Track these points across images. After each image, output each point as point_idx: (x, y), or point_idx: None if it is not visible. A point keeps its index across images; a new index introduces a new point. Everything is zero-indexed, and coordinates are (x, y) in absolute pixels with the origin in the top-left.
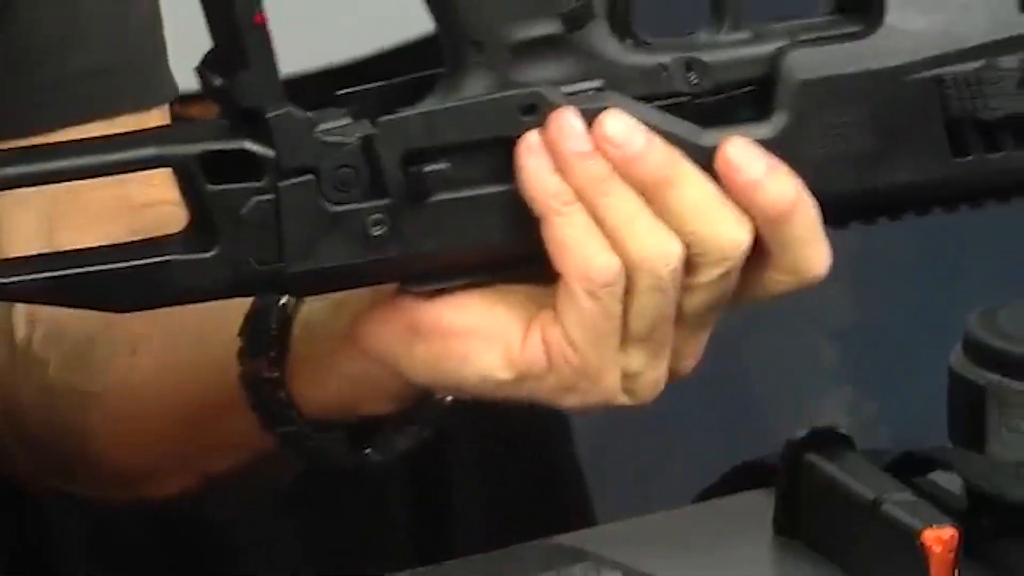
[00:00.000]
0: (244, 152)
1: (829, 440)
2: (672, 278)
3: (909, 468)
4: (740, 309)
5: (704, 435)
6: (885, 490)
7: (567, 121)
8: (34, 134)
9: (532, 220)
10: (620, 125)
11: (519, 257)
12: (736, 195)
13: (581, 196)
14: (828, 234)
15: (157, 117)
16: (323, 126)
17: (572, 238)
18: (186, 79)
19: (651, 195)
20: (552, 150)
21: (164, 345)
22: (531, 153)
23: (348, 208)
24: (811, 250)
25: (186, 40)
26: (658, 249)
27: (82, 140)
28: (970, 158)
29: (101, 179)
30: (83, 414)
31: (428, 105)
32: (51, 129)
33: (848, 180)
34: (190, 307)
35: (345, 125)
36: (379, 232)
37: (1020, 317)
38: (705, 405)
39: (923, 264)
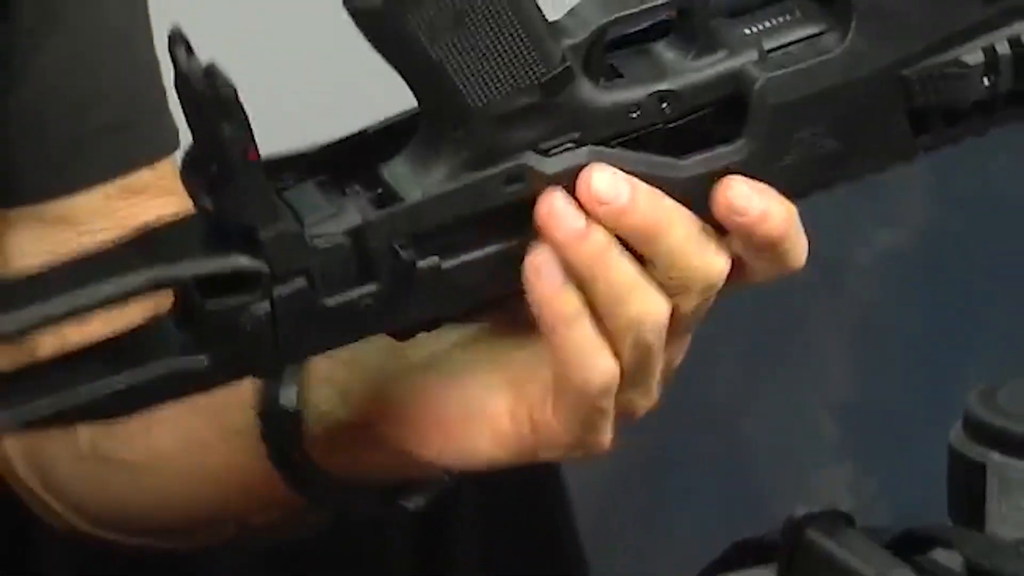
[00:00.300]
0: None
1: (829, 517)
2: (661, 331)
3: (909, 546)
4: (740, 386)
5: (705, 512)
6: (886, 568)
7: (558, 206)
8: (53, 197)
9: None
10: (605, 179)
11: (507, 298)
12: (733, 231)
13: (582, 275)
14: (828, 308)
15: (168, 167)
16: (314, 231)
17: (577, 347)
18: None
19: (642, 245)
20: (549, 238)
21: (179, 421)
22: (539, 275)
23: (340, 299)
24: (795, 251)
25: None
26: (650, 310)
27: (74, 262)
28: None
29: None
30: (120, 477)
31: (410, 184)
32: (71, 191)
33: (817, 178)
34: None
35: (334, 220)
36: (369, 309)
37: (1020, 395)
38: (706, 482)
39: (924, 341)
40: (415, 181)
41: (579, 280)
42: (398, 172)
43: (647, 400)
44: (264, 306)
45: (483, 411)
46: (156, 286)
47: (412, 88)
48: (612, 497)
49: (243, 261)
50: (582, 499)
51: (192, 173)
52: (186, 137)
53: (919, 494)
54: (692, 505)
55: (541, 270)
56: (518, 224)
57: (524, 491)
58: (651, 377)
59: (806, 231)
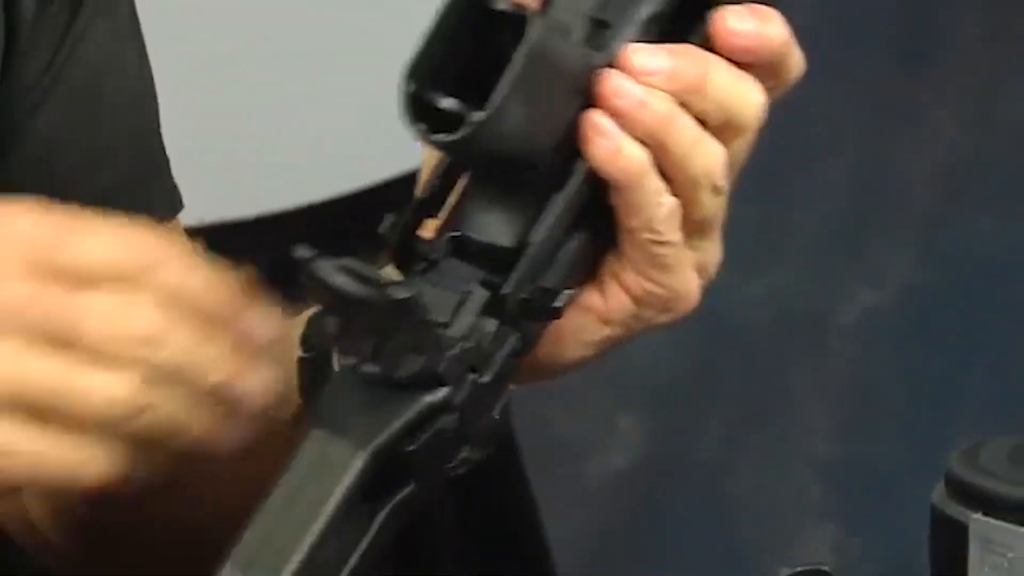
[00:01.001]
0: None
1: None
2: (724, 176)
3: None
4: (724, 445)
5: (690, 570)
6: None
7: (618, 82)
8: None
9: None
10: (644, 55)
11: None
12: (745, 57)
13: (648, 142)
14: (812, 366)
15: (176, 228)
16: (460, 328)
17: (645, 198)
18: None
19: (692, 98)
20: (614, 112)
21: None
22: (600, 131)
23: (494, 368)
24: (796, 56)
25: None
26: (714, 161)
27: (282, 496)
28: None
29: None
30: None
31: (498, 232)
32: None
33: None
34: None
35: (467, 306)
36: (515, 358)
37: (1002, 455)
38: (690, 540)
39: (907, 400)
40: (499, 228)
41: (649, 144)
42: (476, 225)
43: (716, 252)
44: (452, 419)
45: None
46: (378, 465)
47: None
48: (597, 555)
49: (430, 399)
50: (568, 555)
51: (319, 339)
52: (189, 200)
53: (902, 553)
54: (677, 563)
55: (600, 128)
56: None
57: (499, 495)
58: (718, 225)
59: (789, 290)
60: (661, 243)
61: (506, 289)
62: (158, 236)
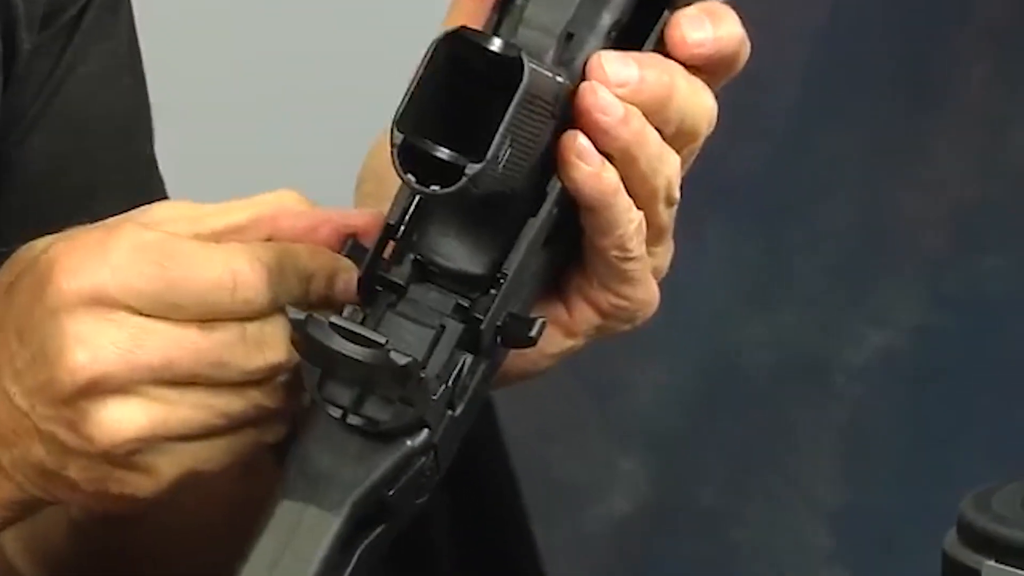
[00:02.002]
0: None
1: None
2: (678, 185)
3: None
4: (728, 491)
5: None
6: None
7: (603, 96)
8: None
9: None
10: (615, 64)
11: None
12: (703, 64)
13: (622, 156)
14: (817, 409)
15: None
16: (434, 367)
17: (617, 216)
18: None
19: (656, 109)
20: (595, 126)
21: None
22: (583, 156)
23: (467, 400)
24: (745, 49)
25: None
26: (673, 172)
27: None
28: None
29: None
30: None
31: (465, 259)
32: None
33: None
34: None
35: (441, 344)
36: (484, 383)
37: (1014, 500)
38: None
39: (915, 444)
40: (469, 254)
41: (619, 160)
42: (443, 251)
43: (669, 253)
44: (430, 458)
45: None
46: (363, 511)
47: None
48: None
49: (412, 444)
50: None
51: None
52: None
53: None
54: None
55: (583, 153)
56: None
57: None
58: (670, 231)
59: (794, 333)
60: (630, 259)
61: (484, 324)
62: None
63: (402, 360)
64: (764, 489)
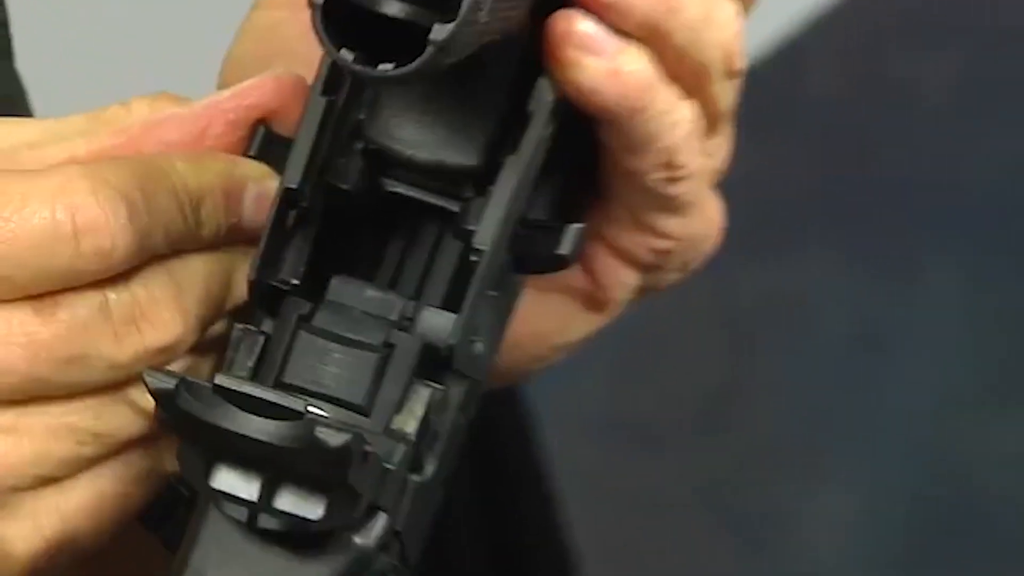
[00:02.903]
0: None
1: None
2: (741, 46)
3: None
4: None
5: None
6: None
7: None
8: None
9: None
10: None
11: None
12: None
13: (647, 31)
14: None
15: None
16: (396, 423)
17: (657, 122)
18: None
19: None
20: (598, 6)
21: None
22: (591, 44)
23: (435, 464)
24: None
25: None
26: (730, 32)
27: None
28: None
29: None
30: None
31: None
32: None
33: None
34: None
35: (409, 404)
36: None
37: None
38: None
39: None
40: (437, 141)
41: (645, 36)
42: (401, 141)
43: (726, 148)
44: (394, 555)
45: (546, 284)
46: None
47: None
48: None
49: (363, 542)
50: None
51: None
52: None
53: None
54: None
55: (586, 41)
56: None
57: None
58: (731, 113)
59: None
60: (678, 179)
61: (452, 337)
62: None
63: (335, 439)
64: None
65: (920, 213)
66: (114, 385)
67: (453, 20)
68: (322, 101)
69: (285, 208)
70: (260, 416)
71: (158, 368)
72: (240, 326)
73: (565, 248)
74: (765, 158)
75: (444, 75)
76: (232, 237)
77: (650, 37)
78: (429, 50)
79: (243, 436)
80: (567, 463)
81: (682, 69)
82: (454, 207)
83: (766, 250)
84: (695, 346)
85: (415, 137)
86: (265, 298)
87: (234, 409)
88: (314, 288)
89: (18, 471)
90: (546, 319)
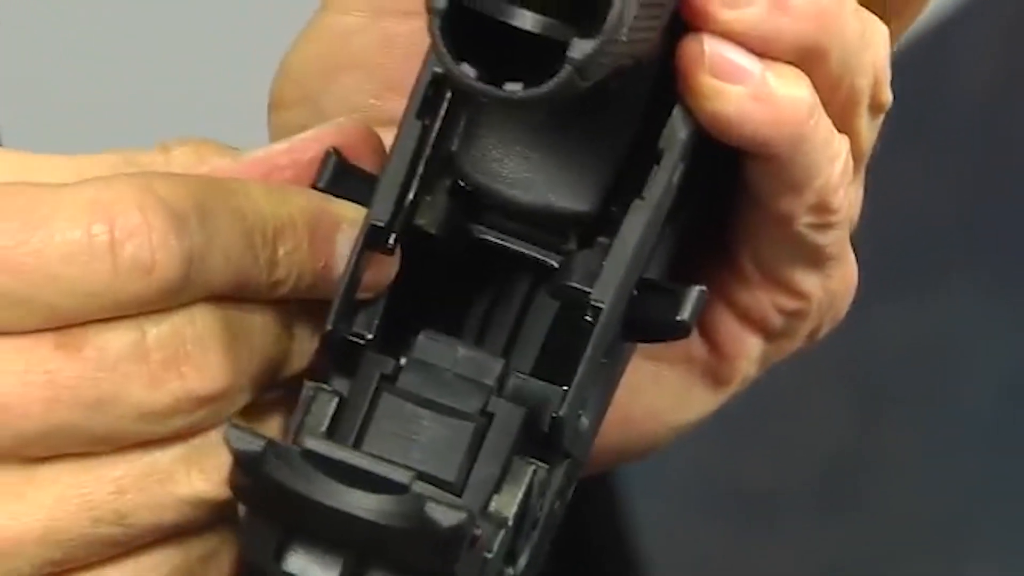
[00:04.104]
0: None
1: None
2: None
3: None
4: None
5: None
6: None
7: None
8: None
9: None
10: None
11: None
12: None
13: (800, 53)
14: None
15: None
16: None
17: (815, 155)
18: None
19: None
20: (737, 32)
21: None
22: (725, 77)
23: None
24: None
25: None
26: (878, 54)
27: None
28: None
29: None
30: None
31: None
32: None
33: None
34: None
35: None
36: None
37: None
38: None
39: None
40: (546, 182)
41: (796, 59)
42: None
43: (859, 193)
44: None
45: (661, 354)
46: None
47: None
48: None
49: None
50: None
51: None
52: None
53: None
54: None
55: (726, 64)
56: None
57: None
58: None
59: None
60: (830, 225)
61: (562, 408)
62: None
63: (449, 518)
64: None
65: None
66: (143, 444)
67: (595, 36)
68: (417, 125)
69: (369, 248)
70: (358, 489)
71: (242, 426)
72: (311, 384)
73: (685, 313)
74: (896, 176)
75: (565, 103)
76: (316, 291)
77: (804, 59)
78: (567, 69)
79: (337, 511)
80: (665, 539)
81: (836, 96)
82: (553, 261)
83: (899, 289)
84: (818, 405)
85: (518, 175)
86: (340, 353)
87: (328, 479)
88: (391, 343)
89: (22, 549)
90: (661, 394)
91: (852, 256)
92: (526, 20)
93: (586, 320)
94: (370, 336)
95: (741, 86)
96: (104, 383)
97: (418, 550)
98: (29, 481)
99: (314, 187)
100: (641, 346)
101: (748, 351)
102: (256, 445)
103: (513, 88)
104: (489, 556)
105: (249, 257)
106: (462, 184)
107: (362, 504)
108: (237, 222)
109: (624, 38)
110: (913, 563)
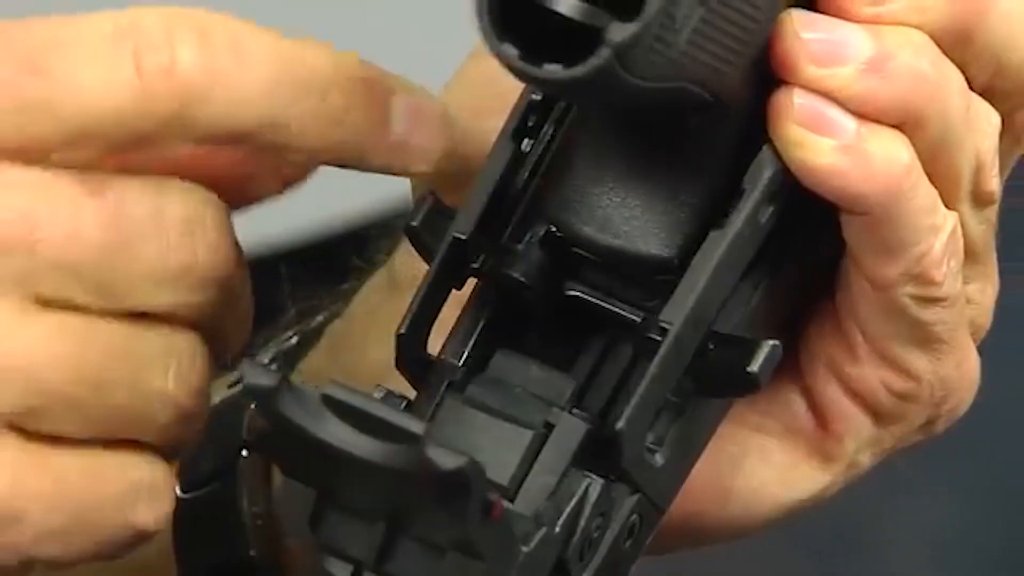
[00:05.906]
0: None
1: None
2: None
3: None
4: None
5: None
6: None
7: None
8: None
9: None
10: None
11: None
12: None
13: (898, 116)
14: None
15: None
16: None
17: (914, 220)
18: None
19: (959, 37)
20: (830, 90)
21: None
22: (826, 129)
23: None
24: None
25: None
26: (985, 140)
27: None
28: None
29: None
30: None
31: None
32: None
33: None
34: None
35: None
36: None
37: None
38: None
39: None
40: (631, 227)
41: (895, 121)
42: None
43: (991, 295)
44: None
45: (761, 425)
46: None
47: None
48: None
49: None
50: None
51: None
52: None
53: None
54: None
55: (816, 115)
56: None
57: None
58: (990, 250)
59: None
60: (933, 300)
61: (622, 422)
62: None
63: (452, 462)
64: None
65: None
66: (138, 317)
67: (634, 18)
68: (510, 146)
69: (448, 259)
70: (368, 435)
71: (258, 363)
72: (381, 386)
73: (755, 365)
74: None
75: (647, 144)
76: (367, 160)
77: (903, 124)
78: (605, 51)
79: (339, 451)
80: None
81: (935, 167)
82: (636, 316)
83: None
84: None
85: (606, 218)
86: (413, 362)
87: (339, 422)
88: (473, 363)
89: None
90: (765, 467)
91: (973, 351)
92: (567, 5)
93: (652, 339)
94: (454, 362)
95: (831, 138)
96: (121, 230)
97: (427, 506)
98: (24, 321)
99: (408, 225)
100: (745, 418)
101: (856, 429)
102: (271, 380)
103: (552, 69)
104: (525, 550)
105: (302, 111)
106: (553, 229)
107: (367, 447)
108: (273, 59)
109: (670, 36)
110: None
